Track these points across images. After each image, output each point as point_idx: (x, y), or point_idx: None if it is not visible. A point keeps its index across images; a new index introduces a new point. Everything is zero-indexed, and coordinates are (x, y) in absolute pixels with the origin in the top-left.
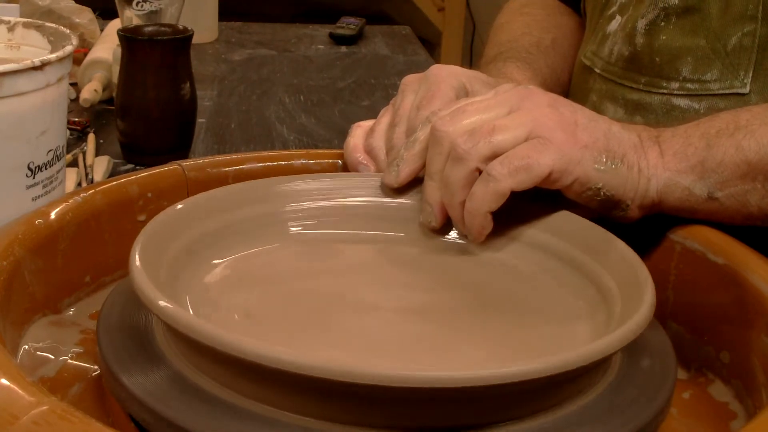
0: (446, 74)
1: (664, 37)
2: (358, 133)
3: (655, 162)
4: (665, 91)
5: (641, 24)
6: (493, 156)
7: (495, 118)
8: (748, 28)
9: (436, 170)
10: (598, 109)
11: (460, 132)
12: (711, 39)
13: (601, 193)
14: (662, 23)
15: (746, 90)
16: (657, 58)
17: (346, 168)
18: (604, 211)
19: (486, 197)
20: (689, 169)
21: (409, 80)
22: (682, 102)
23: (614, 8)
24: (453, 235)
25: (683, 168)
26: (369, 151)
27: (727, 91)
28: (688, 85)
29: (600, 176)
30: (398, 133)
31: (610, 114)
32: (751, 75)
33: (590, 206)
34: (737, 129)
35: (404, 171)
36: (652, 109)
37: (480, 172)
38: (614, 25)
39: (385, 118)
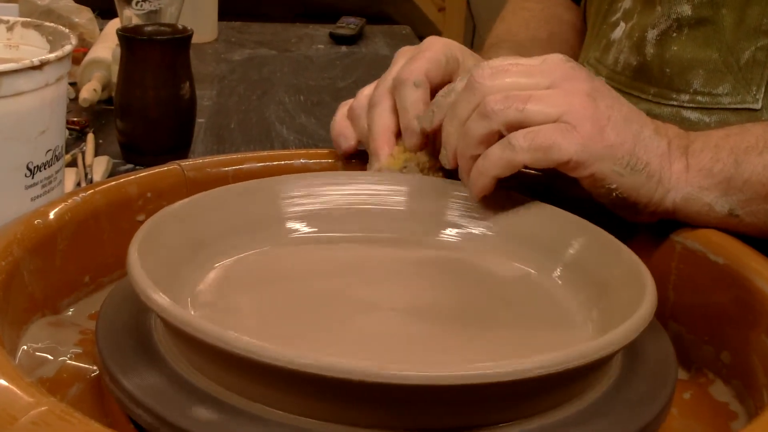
0: (440, 43)
1: (675, 48)
2: (343, 109)
3: (678, 175)
4: (675, 103)
5: (652, 34)
6: (519, 125)
7: (533, 86)
8: (762, 43)
9: (459, 116)
10: None
11: (495, 89)
12: (723, 52)
13: (614, 194)
14: (674, 34)
15: (758, 106)
16: (667, 70)
17: (345, 168)
18: (615, 209)
19: (499, 163)
20: (713, 186)
21: (403, 50)
22: (693, 115)
23: (618, 15)
24: (453, 234)
25: (707, 185)
26: (351, 115)
27: (738, 106)
28: (699, 98)
29: (616, 178)
30: (381, 89)
31: None
32: (763, 90)
33: (601, 201)
34: (767, 147)
35: (438, 117)
36: (662, 121)
37: (500, 135)
38: (618, 32)
39: (372, 84)
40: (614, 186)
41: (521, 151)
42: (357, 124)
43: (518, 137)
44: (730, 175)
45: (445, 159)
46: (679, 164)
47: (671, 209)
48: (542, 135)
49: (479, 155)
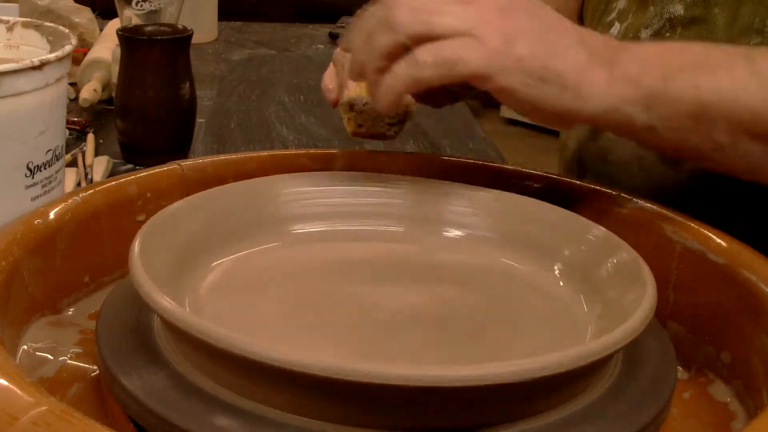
0: None
1: None
2: (332, 66)
3: (596, 87)
4: None
5: (645, 34)
6: (425, 37)
7: (444, 1)
8: (755, 41)
9: (366, 28)
10: None
11: (404, 2)
12: None
13: (528, 107)
14: (667, 34)
15: None
16: None
17: (345, 168)
18: (532, 118)
19: (405, 79)
20: (637, 100)
21: None
22: None
23: (613, 15)
24: (453, 234)
25: (631, 97)
26: (335, 60)
27: None
28: None
29: (526, 91)
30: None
31: None
32: None
33: (517, 112)
34: (703, 67)
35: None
36: None
37: (408, 49)
38: (614, 32)
39: None
40: (525, 99)
41: (425, 66)
42: (340, 69)
43: (422, 53)
44: (656, 90)
45: (353, 72)
46: (599, 76)
47: (590, 119)
48: (447, 49)
49: (385, 68)
